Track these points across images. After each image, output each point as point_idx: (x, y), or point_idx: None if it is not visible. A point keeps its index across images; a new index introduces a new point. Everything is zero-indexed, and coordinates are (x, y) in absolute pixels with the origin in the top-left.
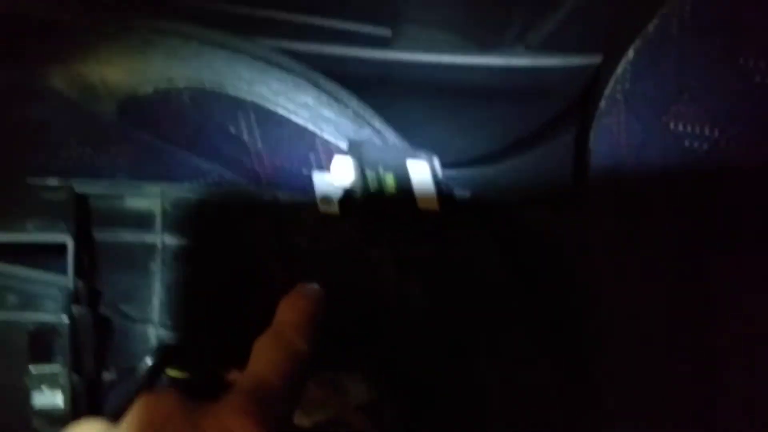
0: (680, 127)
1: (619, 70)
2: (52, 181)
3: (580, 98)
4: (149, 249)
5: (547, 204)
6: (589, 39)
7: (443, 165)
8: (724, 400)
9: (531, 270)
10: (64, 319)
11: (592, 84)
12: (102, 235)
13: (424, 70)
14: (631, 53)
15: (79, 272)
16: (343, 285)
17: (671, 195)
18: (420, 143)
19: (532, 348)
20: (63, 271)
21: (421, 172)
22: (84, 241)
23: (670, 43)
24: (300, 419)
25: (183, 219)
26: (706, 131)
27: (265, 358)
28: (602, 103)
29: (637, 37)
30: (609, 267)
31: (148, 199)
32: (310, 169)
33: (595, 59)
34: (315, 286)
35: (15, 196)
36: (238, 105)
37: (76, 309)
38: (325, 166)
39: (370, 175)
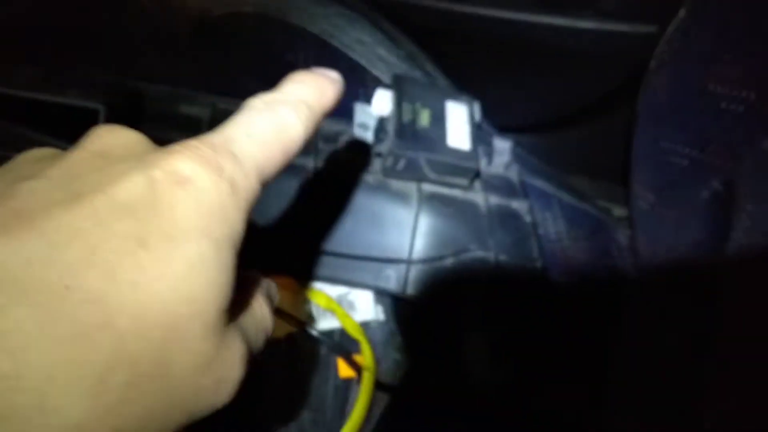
0: (719, 89)
1: (670, 29)
2: (109, 75)
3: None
4: None
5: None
6: (659, 7)
7: (503, 128)
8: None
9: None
10: None
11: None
12: (152, 131)
13: (489, 25)
14: (682, 13)
15: None
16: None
17: (705, 158)
18: (477, 98)
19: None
20: None
21: (459, 113)
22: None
23: (719, 3)
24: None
25: None
26: (743, 93)
27: (248, 120)
28: (652, 64)
29: None
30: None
31: (201, 107)
32: (358, 101)
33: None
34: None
35: (70, 76)
36: (298, 35)
37: None
38: (372, 100)
39: (406, 107)
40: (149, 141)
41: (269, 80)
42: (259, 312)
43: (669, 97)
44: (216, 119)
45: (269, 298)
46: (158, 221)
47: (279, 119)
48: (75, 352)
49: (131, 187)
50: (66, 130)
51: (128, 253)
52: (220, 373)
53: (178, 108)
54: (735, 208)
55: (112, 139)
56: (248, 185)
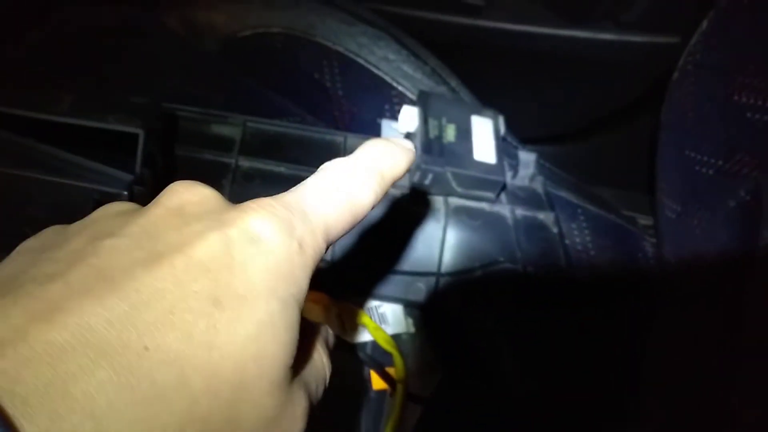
0: (744, 99)
1: (693, 41)
2: (143, 99)
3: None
4: (224, 167)
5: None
6: (679, 18)
7: (526, 139)
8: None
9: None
10: (125, 192)
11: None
12: (186, 151)
13: (511, 39)
14: (704, 24)
15: (147, 164)
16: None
17: (731, 167)
18: (502, 112)
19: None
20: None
21: (484, 128)
22: (164, 148)
23: (742, 14)
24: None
25: (258, 146)
26: None
27: (323, 183)
28: (675, 75)
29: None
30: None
31: (232, 126)
32: (384, 118)
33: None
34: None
35: (109, 101)
36: (325, 53)
37: (137, 189)
38: (398, 117)
39: (432, 123)
40: (222, 197)
41: (297, 99)
42: (319, 362)
43: (693, 108)
44: (246, 139)
45: (327, 345)
46: (231, 281)
47: (352, 184)
48: (152, 413)
49: (208, 246)
50: (107, 153)
51: (204, 313)
52: (285, 428)
53: (210, 128)
54: (762, 217)
55: (188, 195)
56: (316, 245)
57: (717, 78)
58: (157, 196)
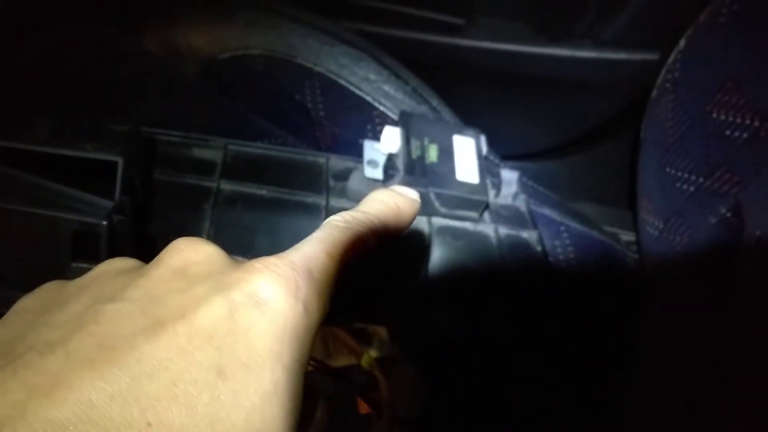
0: (722, 116)
1: (671, 59)
2: (124, 126)
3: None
4: (206, 191)
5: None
6: (657, 35)
7: (508, 156)
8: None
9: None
10: (104, 222)
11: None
12: (167, 176)
13: (492, 58)
14: (682, 43)
15: (127, 191)
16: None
17: (712, 185)
18: (483, 130)
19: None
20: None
21: (467, 147)
22: (143, 174)
23: (718, 32)
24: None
25: (240, 169)
26: (747, 120)
27: (329, 239)
28: (654, 93)
29: (689, 27)
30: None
31: (213, 150)
32: (366, 138)
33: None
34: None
35: (86, 127)
36: (306, 75)
37: (116, 217)
38: (380, 137)
39: (414, 144)
40: (226, 255)
41: (279, 120)
42: (320, 422)
43: (672, 126)
44: (228, 162)
45: (327, 400)
46: (235, 348)
47: (358, 239)
48: None
49: (211, 312)
50: (86, 179)
51: (207, 384)
52: None
53: (191, 152)
54: (743, 234)
55: (191, 254)
56: (321, 306)
57: (695, 95)
58: (160, 254)
